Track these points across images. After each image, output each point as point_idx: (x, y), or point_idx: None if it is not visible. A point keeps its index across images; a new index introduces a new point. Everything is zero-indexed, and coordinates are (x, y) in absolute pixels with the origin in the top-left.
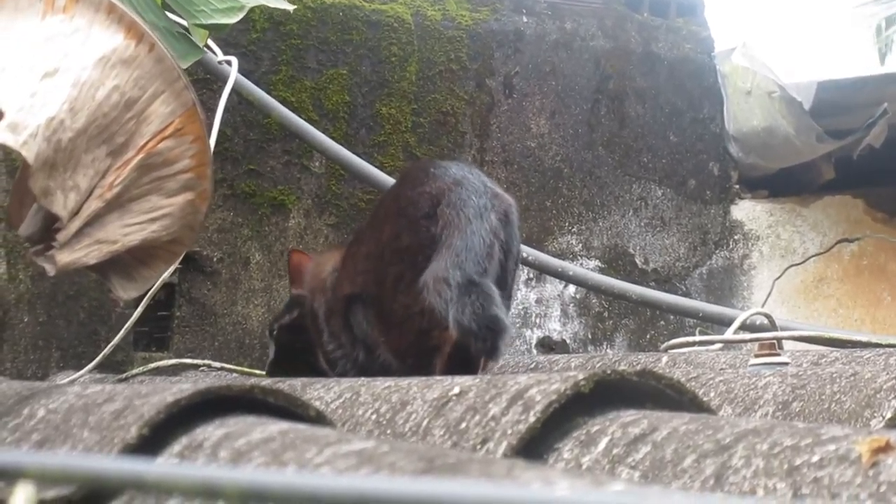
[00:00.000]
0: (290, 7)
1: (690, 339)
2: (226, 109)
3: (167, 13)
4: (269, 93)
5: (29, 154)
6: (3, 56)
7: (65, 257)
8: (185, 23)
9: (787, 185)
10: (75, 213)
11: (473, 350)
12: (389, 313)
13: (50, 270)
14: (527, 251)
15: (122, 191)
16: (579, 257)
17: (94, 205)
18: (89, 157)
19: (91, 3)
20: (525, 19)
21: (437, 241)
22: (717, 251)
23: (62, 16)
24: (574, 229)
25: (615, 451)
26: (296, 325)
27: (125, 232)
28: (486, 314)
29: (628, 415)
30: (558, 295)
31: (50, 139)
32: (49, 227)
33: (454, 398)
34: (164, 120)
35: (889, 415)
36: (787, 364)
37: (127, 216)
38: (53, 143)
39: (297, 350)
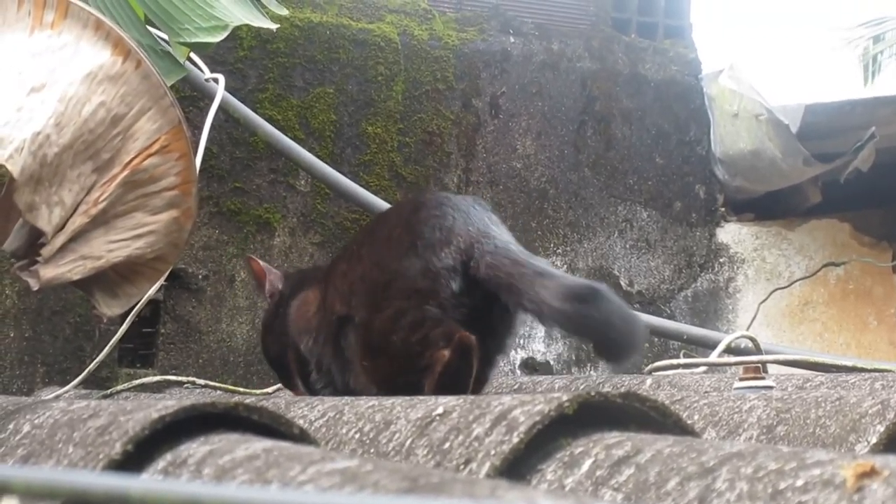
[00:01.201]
0: (274, 26)
1: (675, 361)
2: (212, 127)
3: (150, 30)
4: (255, 111)
5: (14, 168)
6: None
7: (49, 272)
8: (167, 40)
9: (773, 208)
10: (60, 228)
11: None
12: (380, 343)
13: (34, 285)
14: None
15: (108, 207)
16: None
17: (78, 220)
18: (75, 172)
19: (79, 19)
20: (512, 39)
21: (487, 283)
22: (703, 274)
23: (50, 31)
24: (559, 250)
25: (598, 472)
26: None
27: (110, 248)
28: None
29: (612, 437)
30: None
31: (36, 154)
32: (34, 242)
33: (438, 418)
34: (150, 137)
35: (874, 440)
36: (771, 388)
37: (112, 232)
38: (39, 158)
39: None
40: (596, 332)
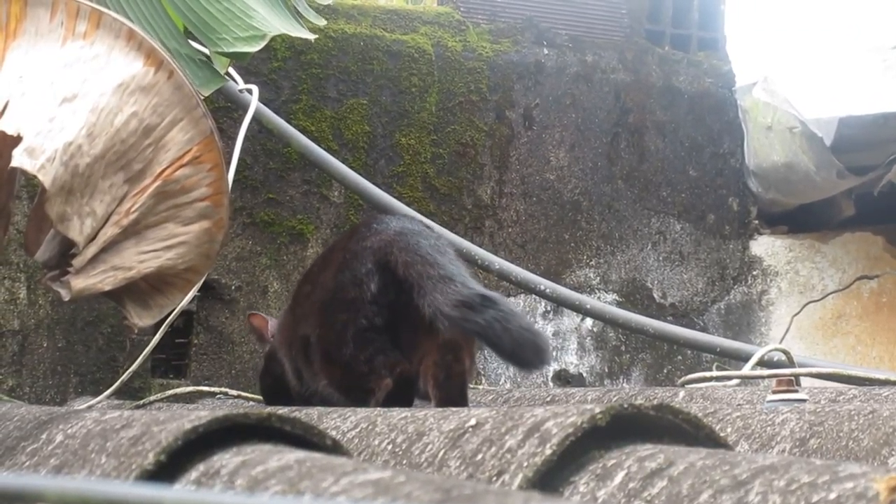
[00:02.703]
0: (312, 36)
1: (708, 374)
2: (246, 138)
3: (189, 40)
4: (289, 122)
5: (46, 179)
6: (22, 81)
7: (80, 283)
8: (207, 50)
9: (806, 221)
10: (91, 238)
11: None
12: (336, 356)
13: (65, 296)
14: (544, 284)
15: (139, 217)
16: (597, 290)
17: (110, 231)
18: (106, 183)
19: (111, 30)
20: (546, 51)
21: (405, 283)
22: (736, 286)
23: (82, 42)
24: (592, 262)
25: (631, 485)
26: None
27: (141, 259)
28: (521, 324)
29: (645, 449)
30: (575, 328)
31: (67, 164)
32: (65, 252)
33: (470, 430)
34: (181, 147)
35: None
36: (804, 401)
37: (143, 243)
38: (71, 169)
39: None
40: (484, 338)
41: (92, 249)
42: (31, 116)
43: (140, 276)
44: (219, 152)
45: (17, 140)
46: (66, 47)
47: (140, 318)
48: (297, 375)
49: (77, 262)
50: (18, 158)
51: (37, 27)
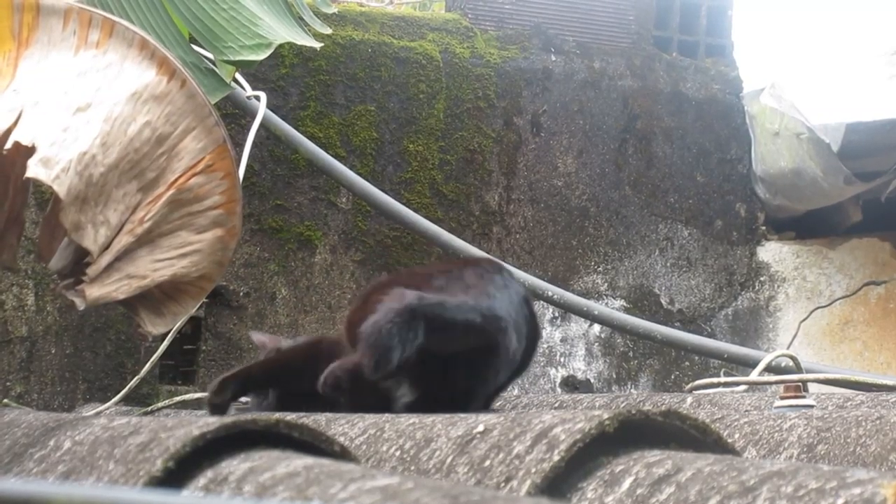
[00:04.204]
0: (317, 44)
1: (715, 380)
2: (254, 144)
3: (195, 48)
4: (297, 128)
5: (61, 188)
6: (36, 90)
7: (94, 291)
8: (212, 58)
9: (814, 226)
10: (106, 247)
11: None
12: None
13: (79, 304)
14: (552, 290)
15: (153, 226)
16: (605, 297)
17: (124, 240)
18: (120, 192)
19: (124, 39)
20: (553, 58)
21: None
22: (743, 292)
23: (95, 51)
24: (600, 269)
25: (639, 491)
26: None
27: (155, 267)
28: None
29: (652, 455)
30: (583, 334)
31: (82, 174)
32: (79, 261)
33: (478, 436)
34: (194, 156)
35: None
36: (812, 406)
37: (157, 251)
38: (85, 178)
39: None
40: None
41: (106, 258)
42: (46, 126)
43: (154, 285)
44: (231, 161)
45: (30, 149)
46: (79, 56)
47: (154, 326)
48: None
49: (91, 270)
50: (34, 169)
51: (49, 36)
